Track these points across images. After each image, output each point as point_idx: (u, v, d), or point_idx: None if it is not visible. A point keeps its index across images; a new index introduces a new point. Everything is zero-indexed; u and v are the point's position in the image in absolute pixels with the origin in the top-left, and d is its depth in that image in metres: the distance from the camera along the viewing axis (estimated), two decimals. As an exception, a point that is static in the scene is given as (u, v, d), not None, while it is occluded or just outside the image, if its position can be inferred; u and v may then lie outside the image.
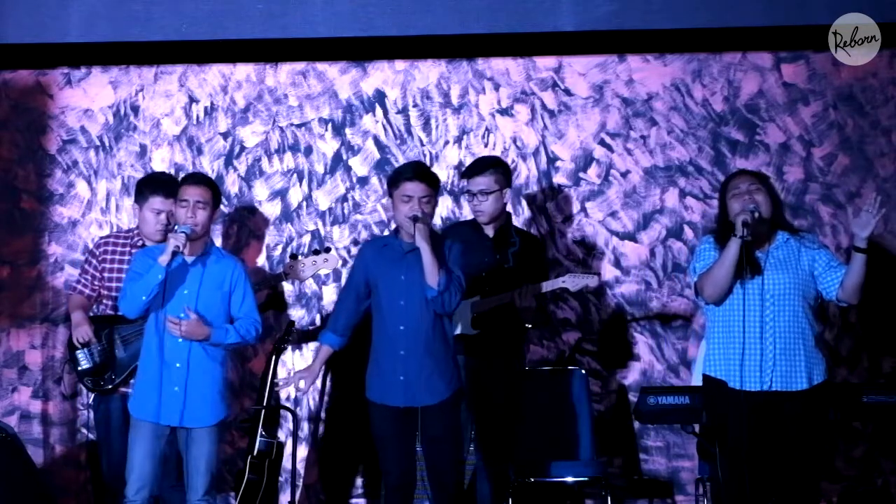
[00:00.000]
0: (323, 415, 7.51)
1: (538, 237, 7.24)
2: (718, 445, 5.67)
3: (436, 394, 5.86)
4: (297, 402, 7.47)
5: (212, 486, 5.89)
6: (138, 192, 6.62)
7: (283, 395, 7.48)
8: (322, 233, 7.56)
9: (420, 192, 5.86)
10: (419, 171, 5.93)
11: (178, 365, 5.86)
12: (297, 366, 7.49)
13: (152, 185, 6.54)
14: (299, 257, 6.96)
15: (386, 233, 7.53)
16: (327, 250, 6.92)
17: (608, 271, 7.49)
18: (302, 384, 6.16)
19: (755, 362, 5.58)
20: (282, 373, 7.36)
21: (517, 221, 7.46)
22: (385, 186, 7.55)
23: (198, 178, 6.08)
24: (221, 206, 7.55)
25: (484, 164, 6.70)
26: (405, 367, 5.85)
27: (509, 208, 7.30)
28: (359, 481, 7.48)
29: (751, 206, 5.58)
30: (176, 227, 5.90)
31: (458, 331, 6.46)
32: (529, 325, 6.76)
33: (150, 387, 5.86)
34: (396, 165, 7.55)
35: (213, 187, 6.02)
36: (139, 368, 6.01)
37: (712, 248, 5.70)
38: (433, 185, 5.95)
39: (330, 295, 7.52)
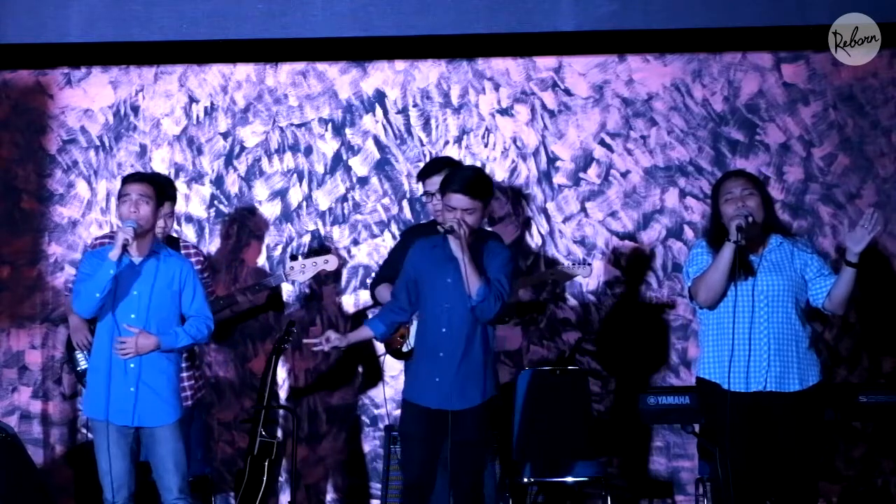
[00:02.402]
0: (323, 415, 7.52)
1: (499, 235, 7.18)
2: (717, 447, 5.66)
3: (468, 399, 5.82)
4: (297, 402, 7.48)
5: (185, 485, 5.84)
6: None
7: (282, 395, 7.49)
8: (322, 233, 7.56)
9: (464, 205, 5.79)
10: (466, 184, 5.82)
11: (132, 365, 5.81)
12: (297, 366, 7.50)
13: None
14: (299, 258, 6.96)
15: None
16: (327, 251, 6.92)
17: (608, 271, 7.50)
18: (330, 339, 6.00)
19: (748, 363, 5.58)
20: (282, 373, 7.37)
21: (517, 222, 7.47)
22: (382, 186, 7.58)
23: (139, 176, 6.00)
24: (221, 206, 7.57)
25: (439, 165, 6.66)
26: (442, 369, 5.82)
27: (500, 209, 7.32)
28: (355, 482, 7.50)
29: (744, 211, 5.57)
30: (121, 223, 5.82)
31: None
32: (508, 320, 6.76)
33: (105, 388, 5.79)
34: (396, 165, 7.58)
35: (154, 184, 5.93)
36: (91, 369, 5.93)
37: (705, 252, 5.70)
38: (480, 197, 5.84)
39: (330, 295, 7.53)
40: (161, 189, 5.98)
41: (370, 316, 7.48)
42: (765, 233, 5.68)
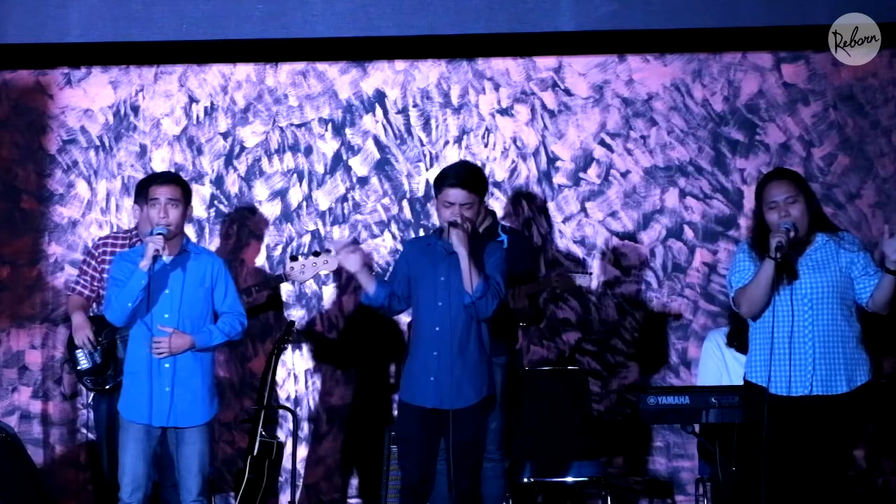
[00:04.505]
0: (323, 415, 7.52)
1: (525, 233, 7.22)
2: (755, 449, 5.60)
3: (464, 398, 5.83)
4: (297, 402, 7.48)
5: (206, 487, 5.86)
6: (139, 192, 6.61)
7: (282, 395, 7.48)
8: (322, 233, 7.56)
9: (462, 199, 5.80)
10: (463, 178, 5.84)
11: (166, 366, 5.83)
12: (296, 366, 7.50)
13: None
14: (299, 258, 6.95)
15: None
16: (327, 251, 6.91)
17: (608, 271, 7.50)
18: (344, 254, 5.89)
19: (796, 367, 5.53)
20: (281, 373, 7.37)
21: (517, 222, 7.47)
22: (382, 186, 7.58)
23: (167, 177, 6.00)
24: (221, 206, 7.57)
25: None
26: (437, 368, 5.82)
27: (500, 209, 7.32)
28: (355, 482, 7.50)
29: (786, 224, 5.51)
30: (151, 230, 5.84)
31: None
32: (523, 325, 6.76)
33: (140, 389, 5.82)
34: (396, 165, 7.58)
35: (182, 184, 5.95)
36: (126, 371, 5.96)
37: (747, 258, 5.63)
38: (477, 192, 5.88)
39: (330, 295, 7.53)
40: (188, 189, 5.99)
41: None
42: (810, 232, 5.62)
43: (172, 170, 7.49)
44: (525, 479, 6.88)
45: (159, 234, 5.77)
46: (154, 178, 6.03)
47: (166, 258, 5.86)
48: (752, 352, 5.67)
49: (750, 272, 5.59)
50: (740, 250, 5.72)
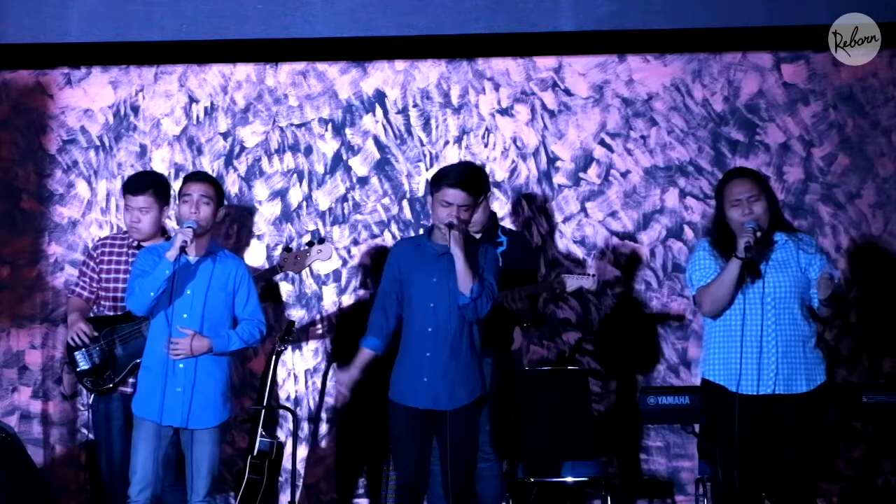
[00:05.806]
0: (323, 415, 7.52)
1: (525, 235, 7.22)
2: (718, 449, 5.64)
3: (456, 399, 5.83)
4: (297, 402, 7.48)
5: (213, 489, 5.88)
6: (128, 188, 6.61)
7: (282, 395, 7.49)
8: (322, 233, 7.56)
9: (460, 200, 5.79)
10: (462, 179, 5.84)
11: (181, 366, 5.85)
12: (297, 366, 7.50)
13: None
14: (293, 249, 6.93)
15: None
16: (321, 241, 6.87)
17: (608, 271, 7.50)
18: (344, 384, 6.05)
19: (757, 366, 5.55)
20: (281, 373, 7.37)
21: (517, 222, 7.46)
22: (382, 186, 7.58)
23: (201, 175, 6.07)
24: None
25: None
26: (429, 369, 5.82)
27: (499, 209, 7.32)
28: (360, 482, 7.50)
29: (752, 223, 5.53)
30: (181, 223, 5.90)
31: None
32: (526, 325, 6.76)
33: (155, 387, 5.84)
34: (396, 165, 7.58)
35: (215, 185, 6.01)
36: (143, 368, 5.98)
37: (708, 255, 5.65)
38: (475, 193, 5.87)
39: (330, 295, 7.53)
40: (221, 190, 6.03)
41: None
42: (770, 231, 5.65)
43: (172, 170, 7.51)
44: (525, 479, 6.88)
45: (189, 227, 5.80)
46: (188, 176, 6.07)
47: (192, 258, 5.87)
48: (709, 350, 5.68)
49: (712, 270, 5.61)
50: (700, 248, 5.73)
